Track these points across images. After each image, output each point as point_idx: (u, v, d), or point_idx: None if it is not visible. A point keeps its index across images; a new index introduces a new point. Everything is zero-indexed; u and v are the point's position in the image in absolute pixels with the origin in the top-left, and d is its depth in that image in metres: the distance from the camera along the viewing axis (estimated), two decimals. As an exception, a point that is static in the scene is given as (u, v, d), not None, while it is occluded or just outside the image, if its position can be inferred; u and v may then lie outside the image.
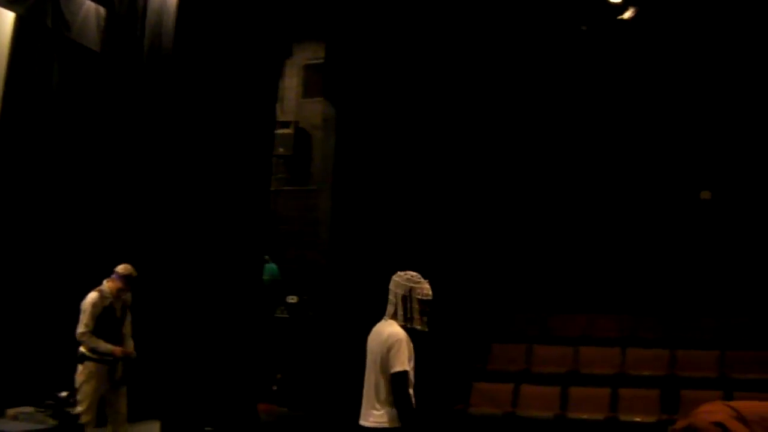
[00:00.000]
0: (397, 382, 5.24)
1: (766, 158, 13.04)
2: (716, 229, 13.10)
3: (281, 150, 12.14)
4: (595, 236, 13.55)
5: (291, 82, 12.38)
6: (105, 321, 7.51)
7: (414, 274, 5.52)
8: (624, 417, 10.52)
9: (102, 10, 8.79)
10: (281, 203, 12.17)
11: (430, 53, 13.09)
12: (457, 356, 11.89)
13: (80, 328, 7.37)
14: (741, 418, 4.93)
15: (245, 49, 10.90)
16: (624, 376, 11.33)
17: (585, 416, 10.62)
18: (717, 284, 12.58)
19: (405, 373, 5.26)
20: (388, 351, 5.28)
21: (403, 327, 5.38)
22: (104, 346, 7.41)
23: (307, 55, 12.31)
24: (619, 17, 12.27)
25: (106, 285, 7.56)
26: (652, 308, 12.59)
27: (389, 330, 5.36)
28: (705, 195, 13.39)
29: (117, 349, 7.52)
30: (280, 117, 12.13)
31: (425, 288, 5.47)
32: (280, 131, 12.09)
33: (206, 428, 9.33)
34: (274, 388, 11.30)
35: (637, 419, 10.43)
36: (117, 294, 7.58)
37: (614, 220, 13.56)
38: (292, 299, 11.81)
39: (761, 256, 12.48)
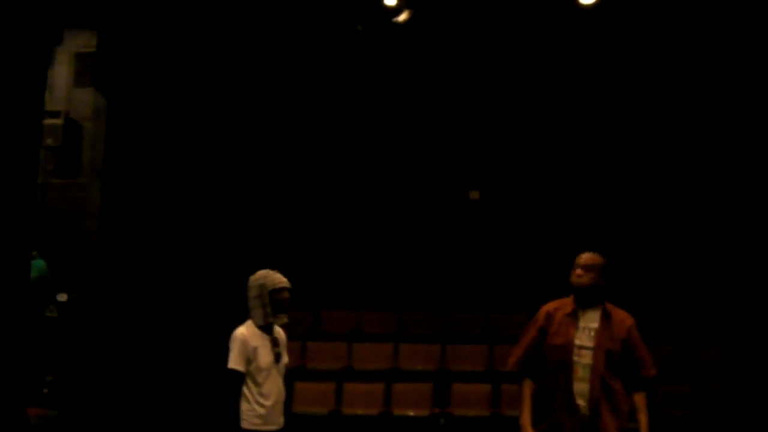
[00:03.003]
0: (225, 379, 5.40)
1: (530, 160, 13.81)
2: (484, 227, 13.71)
3: (50, 141, 11.58)
4: (364, 233, 13.84)
5: (62, 71, 11.84)
6: None
7: (262, 272, 5.61)
8: (398, 411, 10.70)
9: None
10: (50, 196, 11.62)
11: (204, 43, 12.96)
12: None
13: None
14: None
15: (11, 34, 10.34)
16: (397, 371, 11.53)
17: (360, 412, 10.72)
18: (484, 281, 13.18)
19: (231, 371, 5.39)
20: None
21: (263, 326, 5.56)
22: None
23: (79, 42, 11.82)
24: (394, 20, 12.59)
25: None
26: (423, 304, 12.98)
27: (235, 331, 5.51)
28: (474, 195, 13.99)
29: None
30: (50, 106, 11.58)
31: (275, 278, 5.58)
32: (48, 121, 11.54)
33: (-29, 434, 8.88)
34: (45, 390, 10.84)
35: (411, 413, 10.66)
36: None
37: (384, 218, 13.90)
38: (62, 297, 11.33)
39: (526, 253, 13.19)
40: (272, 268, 5.79)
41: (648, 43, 13.16)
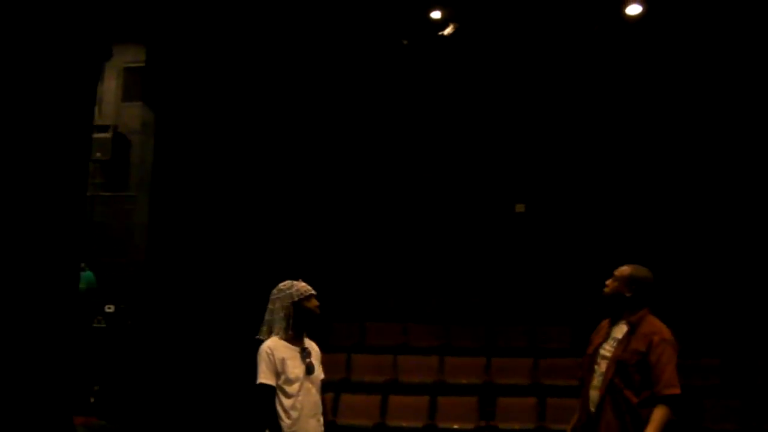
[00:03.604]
0: (254, 395, 5.28)
1: (575, 174, 13.74)
2: (530, 240, 13.66)
3: (99, 155, 11.74)
4: (411, 246, 13.85)
5: (110, 85, 12.01)
6: None
7: (285, 283, 5.52)
8: (442, 424, 10.70)
9: None
10: (98, 209, 11.79)
11: (251, 58, 13.07)
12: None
13: None
14: None
15: (61, 50, 10.50)
16: (442, 384, 11.53)
17: (405, 424, 10.73)
18: (530, 294, 13.11)
19: (261, 386, 5.28)
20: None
21: (291, 338, 5.42)
22: None
23: (127, 57, 11.97)
24: (440, 33, 12.60)
25: None
26: (468, 317, 12.95)
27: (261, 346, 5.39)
28: (519, 208, 13.95)
29: None
30: (98, 120, 11.73)
31: (300, 287, 5.49)
32: (97, 135, 11.69)
33: (20, 443, 8.95)
34: (92, 400, 10.96)
35: (456, 426, 10.65)
36: None
37: (431, 231, 13.90)
38: (110, 308, 11.48)
39: (571, 266, 13.10)
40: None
41: (697, 58, 13.01)
